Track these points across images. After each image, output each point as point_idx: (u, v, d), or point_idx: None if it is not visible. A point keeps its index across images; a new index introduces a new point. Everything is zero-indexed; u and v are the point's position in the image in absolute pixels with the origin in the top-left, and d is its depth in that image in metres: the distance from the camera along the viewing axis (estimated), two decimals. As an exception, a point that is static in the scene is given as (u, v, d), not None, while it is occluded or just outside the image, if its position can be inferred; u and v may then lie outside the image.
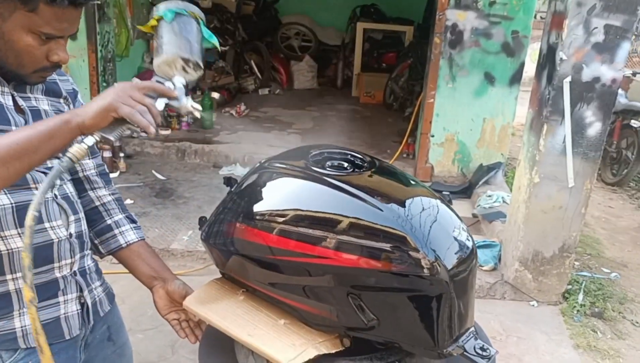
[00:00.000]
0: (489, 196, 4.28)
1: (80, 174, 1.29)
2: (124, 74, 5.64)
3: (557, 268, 3.27)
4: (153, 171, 4.69)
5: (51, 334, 1.11)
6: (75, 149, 0.94)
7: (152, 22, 1.09)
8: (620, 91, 6.52)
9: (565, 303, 3.31)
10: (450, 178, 4.94)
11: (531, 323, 3.14)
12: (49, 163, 1.10)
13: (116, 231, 1.33)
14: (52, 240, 1.12)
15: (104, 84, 4.97)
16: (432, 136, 4.87)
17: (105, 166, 1.37)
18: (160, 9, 1.09)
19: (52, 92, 1.18)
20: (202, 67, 1.10)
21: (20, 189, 1.06)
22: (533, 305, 3.31)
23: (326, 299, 1.09)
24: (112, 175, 4.48)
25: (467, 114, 4.79)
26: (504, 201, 4.15)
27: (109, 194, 1.34)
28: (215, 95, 6.29)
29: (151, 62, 5.34)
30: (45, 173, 1.09)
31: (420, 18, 7.32)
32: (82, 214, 1.23)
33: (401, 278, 1.01)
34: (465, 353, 1.05)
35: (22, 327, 1.09)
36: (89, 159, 1.29)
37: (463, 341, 1.06)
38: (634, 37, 12.76)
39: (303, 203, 1.11)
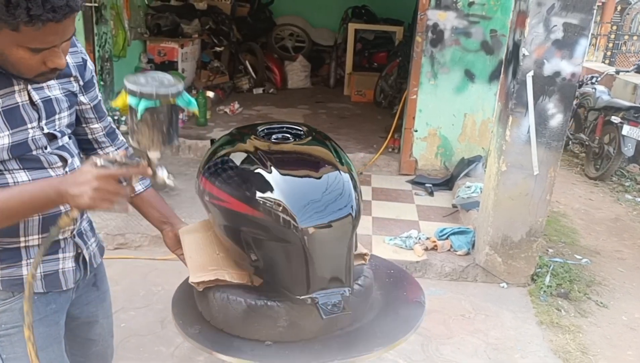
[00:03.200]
0: (468, 187, 4.49)
1: (89, 137, 1.46)
2: (122, 74, 5.86)
3: (525, 251, 3.48)
4: (148, 166, 4.91)
5: (50, 284, 1.35)
6: (64, 221, 1.15)
7: (123, 99, 1.12)
8: (603, 88, 6.75)
9: (533, 285, 3.52)
10: (434, 171, 5.15)
11: (499, 303, 3.35)
12: (59, 141, 1.30)
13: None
14: (60, 211, 1.29)
15: (102, 83, 5.20)
16: (416, 131, 5.09)
17: (113, 126, 1.53)
18: (130, 92, 1.10)
19: (62, 74, 1.29)
20: (177, 142, 1.25)
21: (37, 169, 1.25)
22: (503, 287, 3.52)
23: (233, 238, 1.36)
24: (109, 169, 4.71)
25: (449, 110, 5.00)
26: (481, 192, 4.35)
27: (116, 150, 1.51)
28: (210, 94, 6.51)
29: (148, 63, 5.52)
30: (59, 156, 1.29)
31: (410, 18, 7.53)
32: None
33: (270, 226, 1.26)
34: (316, 304, 1.25)
35: (27, 274, 1.28)
36: (97, 123, 1.46)
37: (320, 294, 1.25)
38: (635, 37, 12.95)
39: (230, 161, 1.39)
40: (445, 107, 4.99)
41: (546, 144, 3.23)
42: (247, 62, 7.68)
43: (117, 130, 1.55)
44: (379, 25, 8.18)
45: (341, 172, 1.33)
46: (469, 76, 4.92)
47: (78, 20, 4.95)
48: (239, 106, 6.55)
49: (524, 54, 3.12)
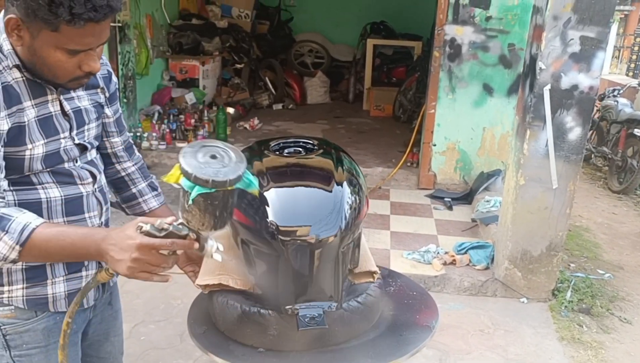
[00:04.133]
0: (487, 201, 4.47)
1: (109, 151, 1.48)
2: (144, 91, 6.01)
3: (545, 266, 3.44)
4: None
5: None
6: (103, 276, 1.15)
7: (176, 176, 1.02)
8: (625, 100, 6.66)
9: (554, 300, 3.47)
10: (453, 185, 5.13)
11: (519, 318, 3.31)
12: (88, 155, 1.34)
13: (140, 199, 1.54)
14: (88, 226, 1.32)
15: (125, 100, 5.32)
16: (434, 145, 5.08)
17: (130, 141, 1.55)
18: (184, 173, 0.99)
19: (91, 85, 1.32)
20: (229, 226, 1.11)
21: (69, 184, 1.27)
22: (523, 302, 3.48)
23: (238, 245, 1.39)
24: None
25: (468, 124, 4.99)
26: (501, 206, 4.33)
27: (133, 165, 1.53)
28: (230, 110, 6.61)
29: (170, 80, 5.63)
30: (90, 171, 1.32)
31: (429, 33, 7.56)
32: (108, 204, 1.42)
33: (259, 236, 1.28)
34: (296, 315, 1.26)
35: (52, 294, 1.31)
36: (118, 137, 1.48)
37: (303, 306, 1.26)
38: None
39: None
40: (464, 121, 4.98)
41: (565, 157, 3.21)
42: (266, 79, 7.78)
43: (134, 146, 1.58)
44: (397, 41, 8.22)
45: (338, 185, 1.34)
46: (487, 89, 4.91)
47: (102, 40, 5.10)
48: (259, 122, 6.63)
49: (540, 68, 3.12)
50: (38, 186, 1.23)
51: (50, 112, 1.22)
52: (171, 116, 5.84)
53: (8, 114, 1.14)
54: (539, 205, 3.32)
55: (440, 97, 4.96)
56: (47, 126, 1.21)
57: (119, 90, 1.50)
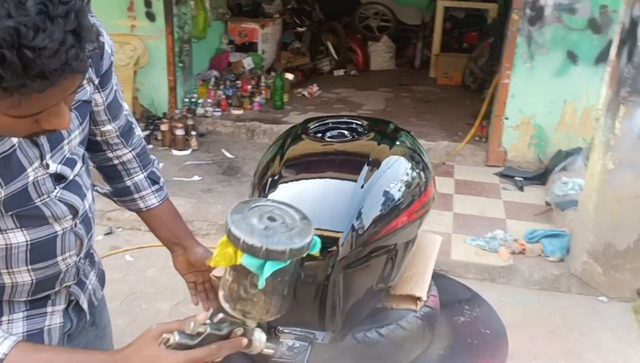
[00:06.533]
0: (564, 183, 4.01)
1: (99, 138, 1.17)
2: (201, 55, 5.83)
3: (631, 262, 3.01)
4: (222, 150, 4.83)
5: None
6: None
7: (230, 255, 0.78)
8: None
9: (639, 301, 3.05)
10: (525, 163, 4.68)
11: (597, 320, 2.93)
12: (69, 176, 1.01)
13: (136, 195, 1.26)
14: (61, 270, 1.05)
15: (180, 64, 5.17)
16: (507, 118, 4.63)
17: (130, 120, 1.23)
18: (247, 248, 0.76)
19: None
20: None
21: (39, 226, 0.97)
22: (602, 301, 3.08)
23: None
24: (183, 152, 4.68)
25: (546, 96, 4.49)
26: (580, 189, 3.87)
27: (130, 152, 1.23)
28: (289, 76, 6.34)
29: (229, 44, 5.41)
30: (69, 204, 1.01)
31: (506, -5, 6.94)
32: (94, 229, 1.13)
33: None
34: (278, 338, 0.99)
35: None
36: (110, 124, 1.16)
37: (286, 330, 0.99)
38: None
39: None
40: (542, 92, 4.48)
41: (665, 139, 2.74)
42: (328, 43, 7.42)
43: (133, 125, 1.24)
44: (471, 3, 7.63)
45: (364, 182, 1.03)
46: (572, 57, 4.37)
47: (158, 1, 4.93)
48: (318, 89, 6.33)
49: (642, 33, 2.64)
50: None
51: (13, 144, 0.89)
52: (227, 82, 5.64)
53: None
54: (629, 193, 2.88)
55: (516, 65, 4.48)
56: (6, 167, 0.88)
57: (113, 66, 1.11)
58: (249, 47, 6.48)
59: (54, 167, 0.97)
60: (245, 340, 0.83)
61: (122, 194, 1.28)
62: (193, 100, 5.28)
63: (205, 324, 0.80)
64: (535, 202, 4.09)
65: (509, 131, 4.66)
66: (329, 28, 7.58)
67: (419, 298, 1.06)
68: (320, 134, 1.29)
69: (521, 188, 4.32)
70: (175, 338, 0.78)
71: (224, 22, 6.49)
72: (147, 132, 4.81)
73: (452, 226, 3.68)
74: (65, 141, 0.99)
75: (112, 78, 1.11)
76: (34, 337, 1.05)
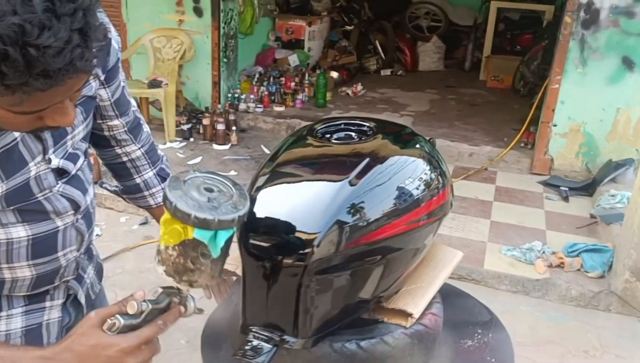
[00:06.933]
0: (612, 195, 3.82)
1: (106, 133, 1.17)
2: (247, 51, 5.88)
3: (678, 284, 2.83)
4: (261, 146, 4.86)
5: (31, 341, 1.05)
6: None
7: (178, 231, 0.79)
8: None
9: (685, 326, 2.87)
10: (572, 172, 4.48)
11: (636, 342, 2.77)
12: (72, 170, 1.01)
13: (146, 192, 1.26)
14: (61, 265, 1.05)
15: (225, 59, 5.22)
16: (555, 125, 4.44)
17: (137, 116, 1.22)
18: (198, 222, 0.76)
19: None
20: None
21: (41, 221, 0.97)
22: (643, 323, 2.91)
23: None
24: (223, 147, 4.73)
25: (598, 103, 4.28)
26: (628, 202, 3.67)
27: (139, 149, 1.22)
28: (334, 74, 6.31)
29: (275, 40, 5.45)
30: (71, 199, 1.00)
31: (563, -4, 6.66)
32: (94, 224, 1.14)
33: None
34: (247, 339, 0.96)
35: (6, 331, 1.03)
36: (118, 120, 1.15)
37: (258, 330, 0.95)
38: None
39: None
40: (594, 99, 4.28)
41: None
42: (376, 42, 7.34)
43: (141, 121, 1.23)
44: (526, 4, 7.37)
45: (355, 179, 0.96)
46: (627, 63, 4.15)
47: (207, -5, 4.99)
48: (362, 88, 6.28)
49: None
50: None
51: (15, 138, 0.88)
52: (271, 78, 5.67)
53: None
54: (678, 210, 2.70)
55: (567, 70, 4.29)
56: (7, 160, 0.88)
57: (120, 62, 1.11)
58: (295, 45, 6.49)
59: (56, 162, 0.96)
60: (183, 309, 0.85)
61: (131, 192, 1.28)
62: (236, 95, 5.33)
63: (145, 301, 0.82)
64: (580, 214, 3.91)
65: (557, 139, 4.47)
66: (377, 27, 7.50)
67: (410, 315, 1.01)
68: (328, 135, 1.25)
69: (566, 198, 4.14)
70: (120, 321, 0.78)
71: (272, 18, 6.53)
72: (189, 126, 4.90)
73: (487, 235, 3.56)
74: (69, 137, 0.99)
75: (119, 74, 1.11)
76: (33, 332, 1.06)
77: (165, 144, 4.77)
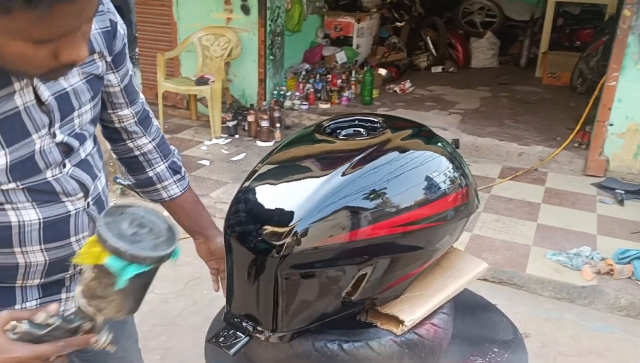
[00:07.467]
0: (672, 200, 3.58)
1: (117, 125, 1.19)
2: (295, 49, 5.90)
3: None
4: (305, 143, 4.85)
5: None
6: None
7: (95, 254, 0.80)
8: None
9: None
10: (630, 174, 4.24)
11: (690, 358, 2.58)
12: (80, 152, 1.03)
13: (158, 185, 1.28)
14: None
15: (271, 57, 5.26)
16: (611, 125, 4.22)
17: (146, 108, 1.25)
18: (113, 250, 0.78)
19: None
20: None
21: (51, 202, 0.98)
22: (700, 337, 2.71)
23: None
24: (267, 144, 4.76)
25: (659, 102, 4.04)
26: (689, 208, 3.44)
27: (150, 142, 1.25)
28: (382, 71, 6.24)
29: (324, 38, 5.43)
30: (80, 181, 1.02)
31: (628, -12, 6.30)
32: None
33: None
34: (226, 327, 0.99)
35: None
36: (128, 108, 1.17)
37: (240, 320, 0.97)
38: None
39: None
40: (654, 97, 4.03)
41: None
42: (428, 39, 7.20)
43: (150, 114, 1.27)
44: (587, -2, 7.03)
45: (349, 169, 0.93)
46: (692, 59, 3.89)
47: (253, -7, 5.04)
48: (411, 85, 6.17)
49: None
50: (7, 206, 0.93)
51: (16, 106, 0.88)
52: (317, 75, 5.66)
53: None
54: None
55: (625, 66, 4.06)
56: (8, 127, 0.88)
57: (127, 46, 1.12)
58: (343, 41, 6.46)
59: (60, 137, 0.97)
60: (93, 339, 0.85)
61: (144, 186, 1.30)
62: (282, 92, 5.36)
63: (56, 315, 0.82)
64: (635, 219, 3.69)
65: (613, 139, 4.24)
66: (429, 23, 7.36)
67: (402, 322, 0.96)
68: (338, 131, 1.22)
69: (621, 202, 3.92)
70: (23, 326, 0.79)
71: (321, 16, 6.52)
72: (234, 122, 4.97)
73: (532, 238, 3.42)
74: (76, 113, 0.99)
75: (127, 62, 1.14)
76: None
77: (210, 140, 4.86)
